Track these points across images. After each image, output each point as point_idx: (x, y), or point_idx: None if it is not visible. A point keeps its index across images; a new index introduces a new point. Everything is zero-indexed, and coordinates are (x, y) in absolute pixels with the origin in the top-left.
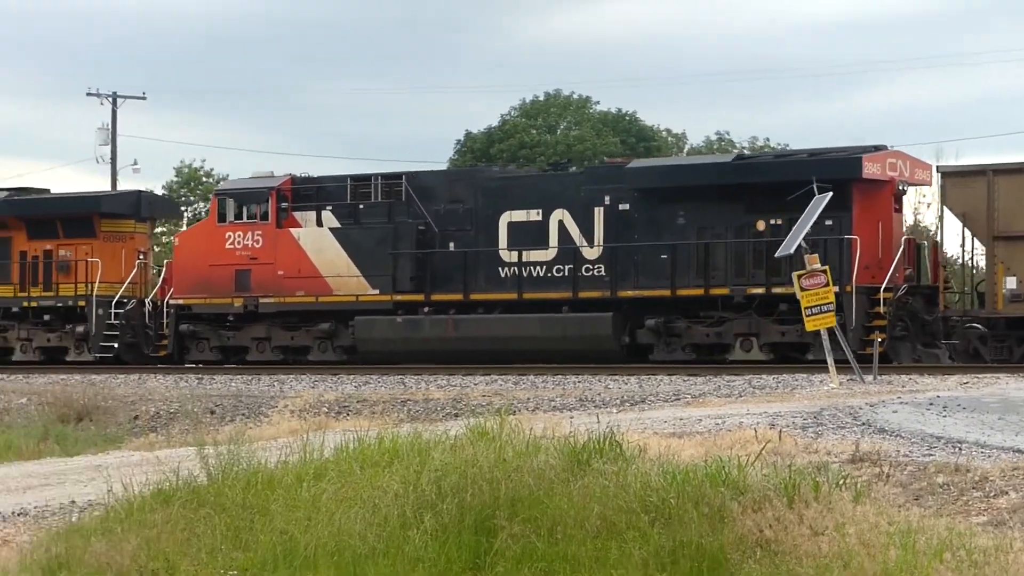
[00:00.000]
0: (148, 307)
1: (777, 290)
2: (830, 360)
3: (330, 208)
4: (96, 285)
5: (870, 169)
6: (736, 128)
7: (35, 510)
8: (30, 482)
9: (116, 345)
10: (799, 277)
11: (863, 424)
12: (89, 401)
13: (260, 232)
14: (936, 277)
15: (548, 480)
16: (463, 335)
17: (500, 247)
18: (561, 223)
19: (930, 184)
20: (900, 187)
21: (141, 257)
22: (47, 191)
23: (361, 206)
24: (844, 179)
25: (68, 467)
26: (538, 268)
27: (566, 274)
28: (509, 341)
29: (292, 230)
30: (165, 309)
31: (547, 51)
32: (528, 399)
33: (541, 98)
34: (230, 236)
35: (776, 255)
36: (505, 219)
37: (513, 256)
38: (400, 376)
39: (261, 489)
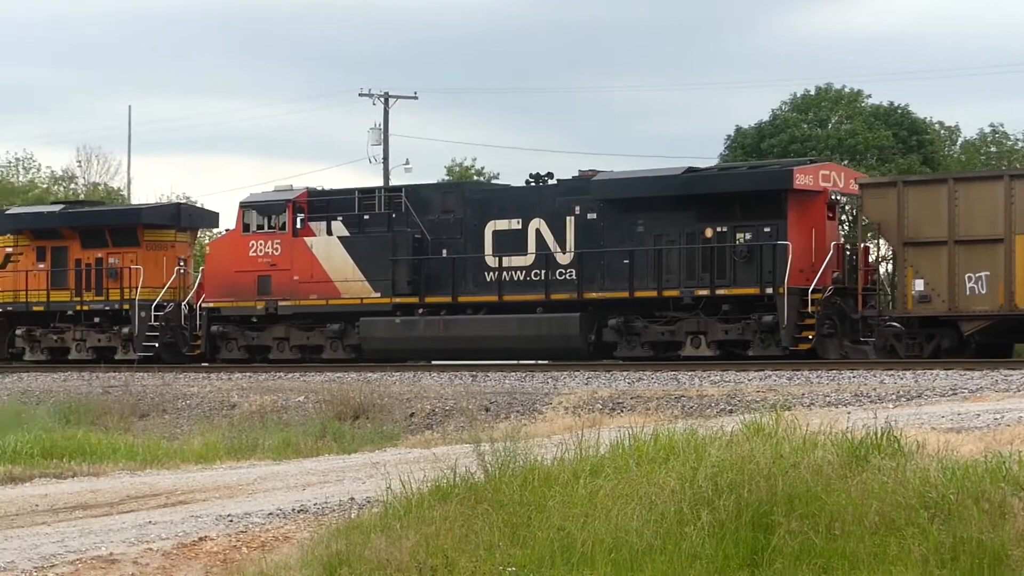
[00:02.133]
0: (184, 310)
1: (720, 291)
2: None
3: (340, 219)
4: (139, 290)
5: (802, 180)
6: (1013, 121)
7: (315, 507)
8: (309, 479)
9: (156, 345)
10: None
11: None
12: (365, 399)
13: (279, 241)
14: (865, 280)
15: (825, 476)
16: (453, 334)
17: (486, 253)
18: (538, 231)
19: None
20: (833, 197)
21: (181, 264)
22: (101, 203)
23: (366, 217)
24: (777, 190)
25: (346, 464)
26: (518, 272)
27: (542, 277)
28: (492, 340)
29: (306, 239)
30: (198, 312)
31: (818, 44)
32: (803, 395)
33: (812, 92)
34: (253, 245)
35: None
36: (490, 228)
37: (497, 262)
38: (673, 372)
39: (537, 486)
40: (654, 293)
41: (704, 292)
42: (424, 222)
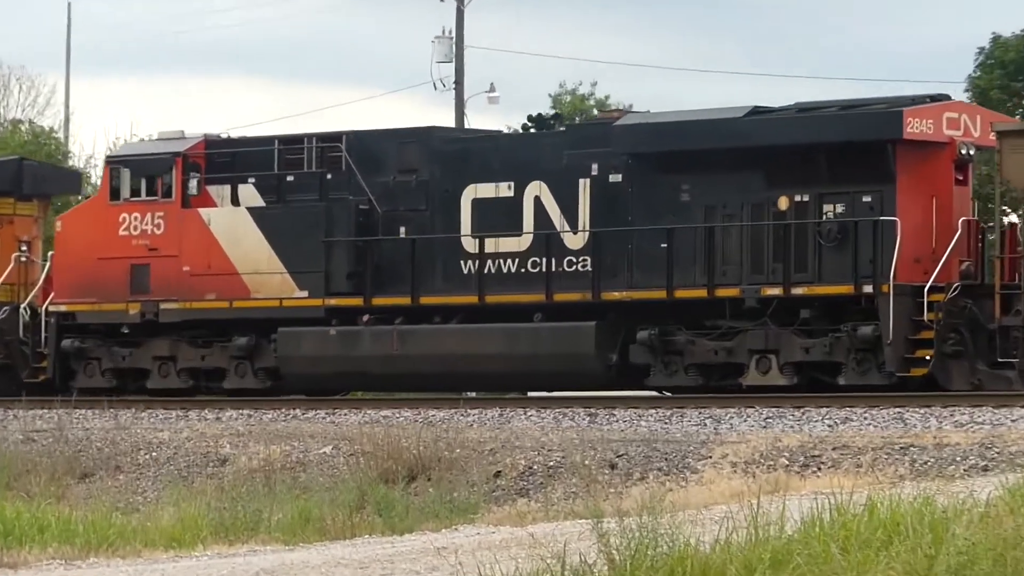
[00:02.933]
0: (25, 315)
1: (798, 290)
2: None
3: (252, 181)
4: None
5: (917, 127)
6: None
7: None
8: (339, 575)
9: None
10: None
11: None
12: (426, 450)
13: (162, 213)
14: (1011, 274)
15: None
16: (411, 352)
17: (462, 233)
18: (538, 200)
19: None
20: (964, 151)
21: (23, 248)
22: None
23: (290, 178)
24: (881, 140)
25: (396, 551)
26: (509, 261)
27: (543, 269)
28: (468, 360)
29: (202, 211)
30: (43, 318)
31: None
32: None
33: None
34: (125, 219)
35: None
36: (469, 195)
37: (478, 245)
38: (898, 409)
39: None
40: (703, 292)
41: (775, 291)
42: (373, 186)
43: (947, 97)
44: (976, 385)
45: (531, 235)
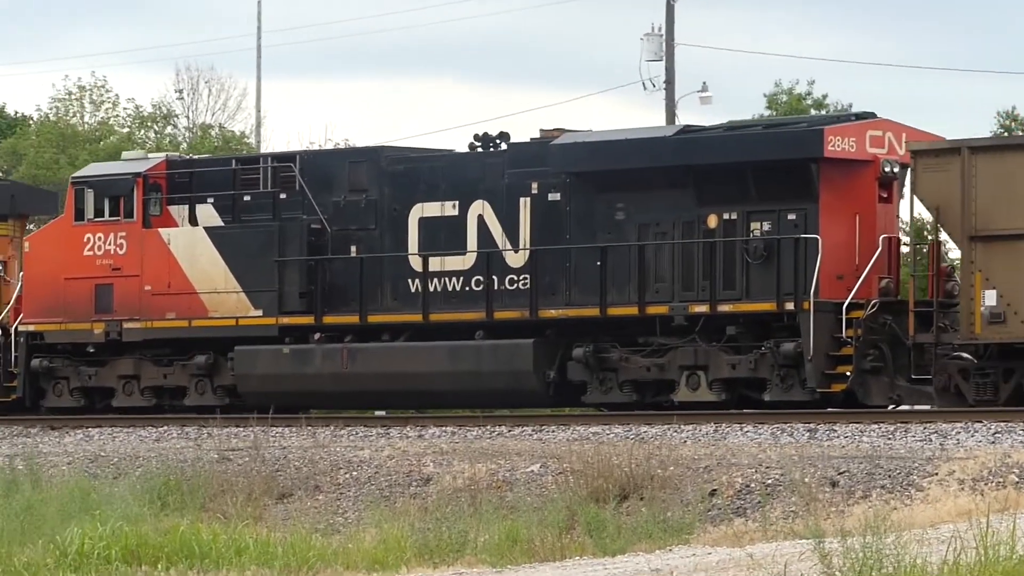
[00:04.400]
0: None
1: (724, 307)
2: None
3: (211, 201)
4: None
5: (837, 144)
6: None
7: None
8: None
9: None
10: None
11: None
12: (637, 468)
13: (124, 233)
14: (940, 289)
15: None
16: (360, 370)
17: (410, 251)
18: (481, 219)
19: None
20: (888, 169)
21: None
22: None
23: (246, 198)
24: (803, 159)
25: (607, 573)
26: (454, 280)
27: (485, 287)
28: (413, 378)
29: (163, 231)
30: (13, 337)
31: None
32: None
33: None
34: (89, 239)
35: None
36: (416, 214)
37: (422, 264)
38: None
39: None
40: (635, 310)
41: (702, 308)
42: (325, 206)
43: (872, 115)
44: (895, 400)
45: (475, 253)
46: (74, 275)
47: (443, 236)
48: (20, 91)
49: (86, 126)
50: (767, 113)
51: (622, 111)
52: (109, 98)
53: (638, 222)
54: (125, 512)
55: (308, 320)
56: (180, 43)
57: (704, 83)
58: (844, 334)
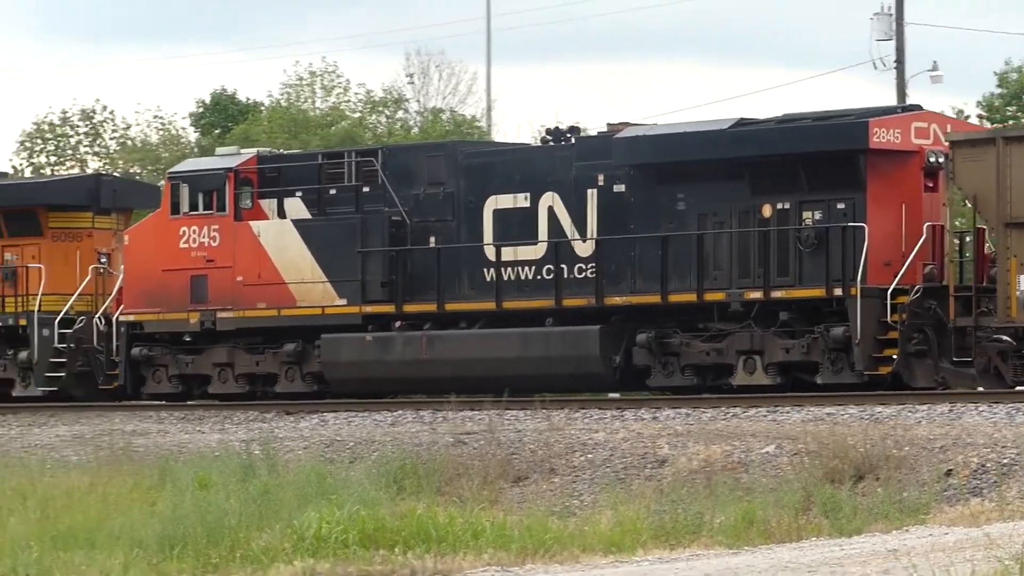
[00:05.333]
0: (100, 324)
1: (777, 294)
2: None
3: (299, 195)
4: (40, 298)
5: (882, 136)
6: None
7: None
8: None
9: (63, 375)
10: None
11: None
12: (872, 449)
13: (217, 226)
14: (981, 275)
15: None
16: (437, 357)
17: (485, 242)
18: (551, 210)
19: None
20: (933, 159)
21: (102, 261)
22: (3, 175)
23: (332, 191)
24: (850, 150)
25: (844, 553)
26: (526, 269)
27: (555, 275)
28: (487, 364)
29: (253, 224)
30: (115, 327)
31: None
32: None
33: None
34: (184, 232)
35: None
36: (490, 206)
37: (502, 253)
38: None
39: None
40: (693, 297)
41: (756, 294)
42: (405, 199)
43: (919, 108)
44: (939, 382)
45: (545, 243)
46: (171, 267)
47: (516, 227)
48: (252, 77)
49: (317, 111)
50: (997, 92)
51: (852, 91)
52: (340, 83)
53: (697, 212)
54: (361, 496)
55: (389, 308)
56: (410, 28)
57: (935, 62)
58: (889, 319)
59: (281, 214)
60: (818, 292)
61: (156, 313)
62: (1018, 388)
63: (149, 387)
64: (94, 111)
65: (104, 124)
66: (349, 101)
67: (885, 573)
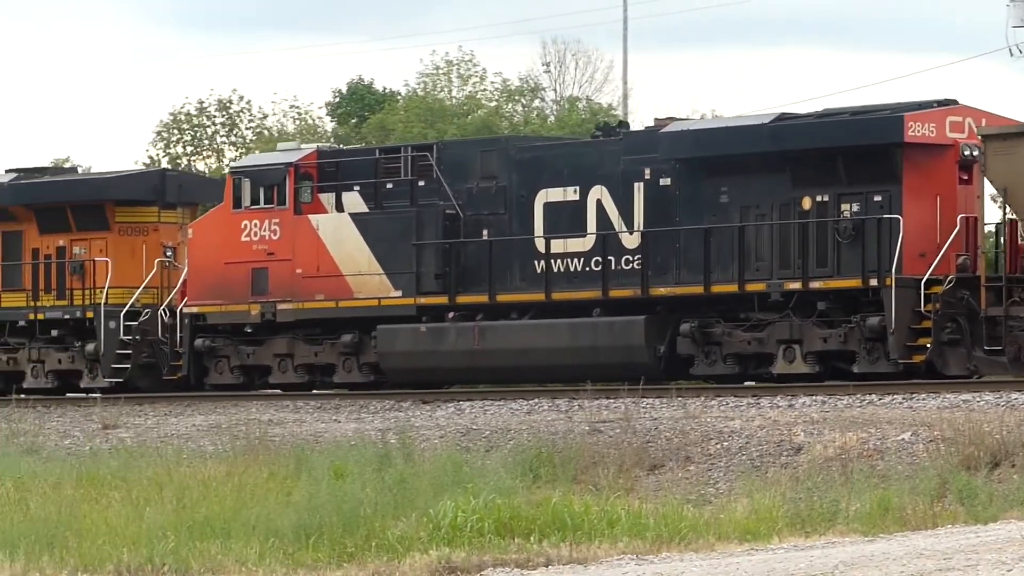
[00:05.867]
0: (164, 317)
1: (815, 284)
2: None
3: (357, 189)
4: (106, 291)
5: (917, 130)
6: None
7: None
8: (922, 567)
9: (129, 367)
10: None
11: None
12: (1008, 435)
13: (277, 220)
14: (1014, 265)
15: None
16: (489, 347)
17: (535, 234)
18: (599, 203)
19: None
20: (968, 152)
21: (168, 254)
22: (73, 170)
23: (389, 185)
24: (885, 144)
25: (980, 541)
26: (575, 260)
27: (606, 268)
28: (537, 354)
29: (312, 217)
30: (179, 319)
31: None
32: None
33: None
34: (246, 226)
35: None
36: (541, 199)
37: (551, 246)
38: None
39: None
40: (735, 287)
41: (795, 285)
42: (459, 192)
43: (954, 102)
44: (972, 371)
45: (594, 236)
46: (233, 260)
47: (565, 220)
48: (388, 67)
49: (454, 100)
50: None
51: (987, 78)
52: (476, 72)
53: (740, 204)
54: (497, 485)
55: (443, 300)
56: (546, 16)
57: None
58: (923, 308)
59: (339, 208)
60: (855, 282)
61: (218, 305)
62: None
63: (212, 378)
64: (231, 101)
65: (241, 114)
66: (485, 90)
67: (1021, 560)
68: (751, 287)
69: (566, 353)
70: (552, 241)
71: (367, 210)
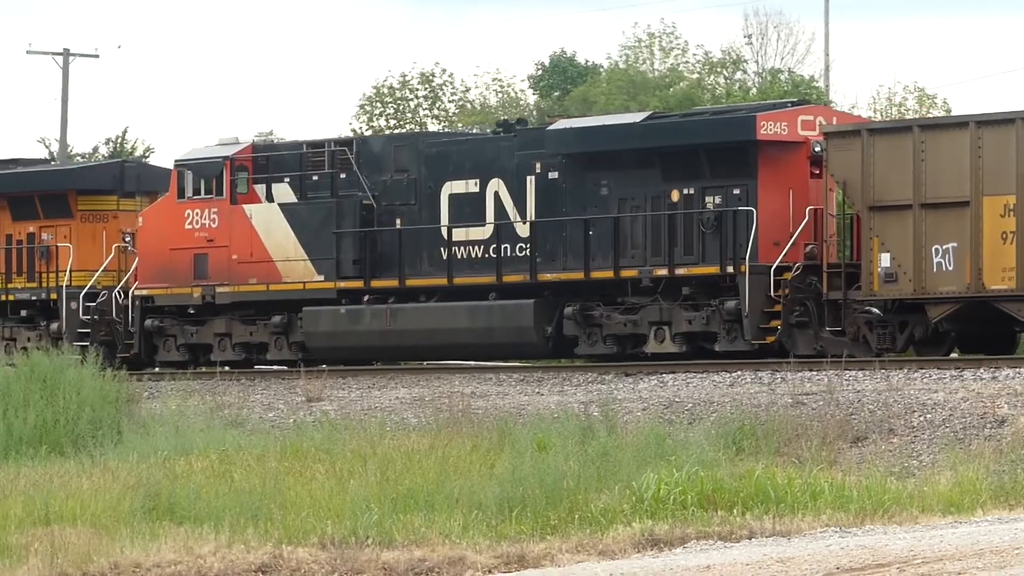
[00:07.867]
0: (119, 298)
1: (679, 271)
2: None
3: (287, 181)
4: (69, 274)
5: (770, 128)
6: None
7: None
8: None
9: (87, 345)
10: None
11: None
12: None
13: (216, 210)
14: (859, 253)
15: None
16: (399, 327)
17: (442, 223)
18: (497, 195)
19: None
20: (818, 149)
21: (126, 240)
22: (47, 161)
23: (314, 178)
24: (741, 141)
25: None
26: (476, 248)
27: (500, 255)
28: (441, 334)
29: (246, 207)
30: (131, 301)
31: None
32: None
33: None
34: (189, 215)
35: None
36: (446, 191)
37: (454, 234)
38: None
39: None
40: (610, 273)
41: (663, 272)
42: (375, 184)
43: (806, 102)
44: (818, 350)
45: (492, 225)
46: (177, 246)
47: (468, 210)
48: (591, 39)
49: (656, 73)
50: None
51: None
52: (678, 44)
53: (618, 197)
54: (700, 457)
55: (359, 284)
56: None
57: None
58: (773, 293)
59: (270, 198)
60: (714, 269)
61: (165, 288)
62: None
63: (160, 355)
64: (433, 74)
65: (443, 87)
66: (688, 62)
67: None
68: (625, 273)
69: (466, 333)
70: (455, 230)
71: (295, 200)
